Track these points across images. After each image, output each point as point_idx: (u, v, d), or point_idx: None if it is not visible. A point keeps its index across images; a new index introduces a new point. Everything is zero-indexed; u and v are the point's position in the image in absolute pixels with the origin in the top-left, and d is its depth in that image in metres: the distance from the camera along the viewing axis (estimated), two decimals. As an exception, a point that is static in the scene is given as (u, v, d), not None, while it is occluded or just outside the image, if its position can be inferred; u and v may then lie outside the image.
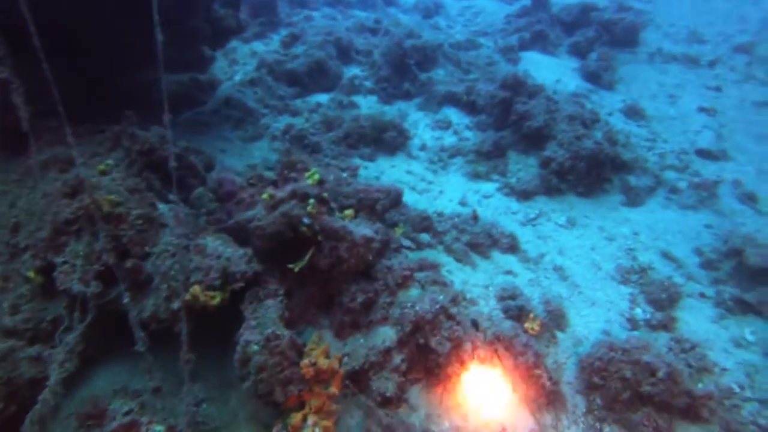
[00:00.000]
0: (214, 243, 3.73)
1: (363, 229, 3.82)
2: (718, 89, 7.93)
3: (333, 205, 4.35)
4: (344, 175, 5.24)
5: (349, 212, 4.35)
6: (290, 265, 3.75)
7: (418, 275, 4.35)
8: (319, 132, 7.01)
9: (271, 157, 6.83)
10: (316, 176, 4.11)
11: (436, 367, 3.92)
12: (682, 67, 8.53)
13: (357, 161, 6.57)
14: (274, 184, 4.13)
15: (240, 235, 3.98)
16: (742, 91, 7.80)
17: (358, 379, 3.89)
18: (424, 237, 5.08)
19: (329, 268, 3.84)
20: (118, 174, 3.95)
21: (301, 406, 3.43)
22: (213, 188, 4.19)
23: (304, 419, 3.36)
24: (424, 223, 5.16)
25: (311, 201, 3.80)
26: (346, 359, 3.90)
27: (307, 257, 3.71)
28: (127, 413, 3.39)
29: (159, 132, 4.81)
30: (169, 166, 3.38)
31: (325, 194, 4.06)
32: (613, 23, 9.29)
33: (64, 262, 3.53)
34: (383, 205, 4.59)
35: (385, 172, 6.66)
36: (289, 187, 3.91)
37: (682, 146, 6.56)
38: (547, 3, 10.21)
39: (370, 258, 3.83)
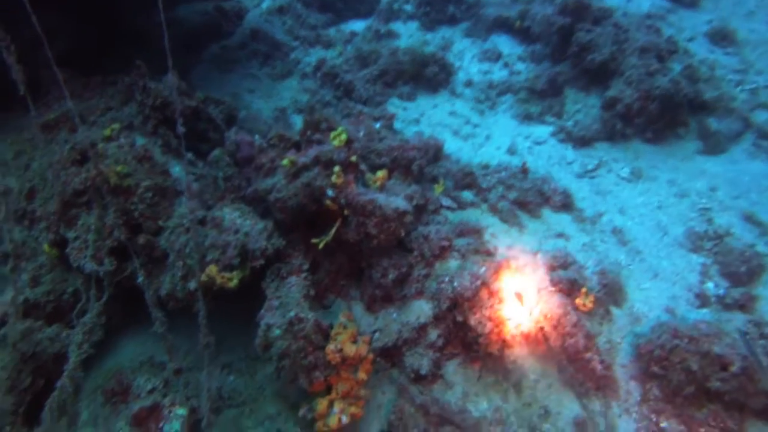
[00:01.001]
0: (231, 215, 3.53)
1: (395, 201, 3.50)
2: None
3: (363, 166, 4.04)
4: (378, 125, 4.86)
5: (381, 173, 4.03)
6: (314, 240, 3.51)
7: (458, 242, 4.06)
8: (353, 69, 6.53)
9: (302, 99, 6.49)
10: (344, 136, 3.77)
11: (475, 344, 3.71)
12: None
13: (393, 106, 6.13)
14: (297, 146, 3.81)
15: (260, 203, 3.77)
16: None
17: (390, 355, 3.76)
18: (467, 195, 4.71)
19: (357, 242, 3.59)
20: (126, 140, 3.73)
21: (328, 390, 3.34)
22: (231, 151, 3.93)
23: (331, 405, 3.27)
24: (467, 180, 4.78)
25: (336, 169, 3.49)
26: (377, 335, 3.75)
27: (331, 233, 3.47)
28: (151, 391, 3.42)
29: (174, 83, 4.54)
30: (177, 130, 3.12)
31: (354, 158, 3.74)
32: None
33: (76, 237, 3.44)
34: (420, 165, 4.22)
35: (425, 113, 6.21)
36: (312, 152, 3.60)
37: (781, 78, 5.68)
38: None
39: (402, 233, 3.53)
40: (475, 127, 5.92)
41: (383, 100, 6.23)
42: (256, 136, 4.09)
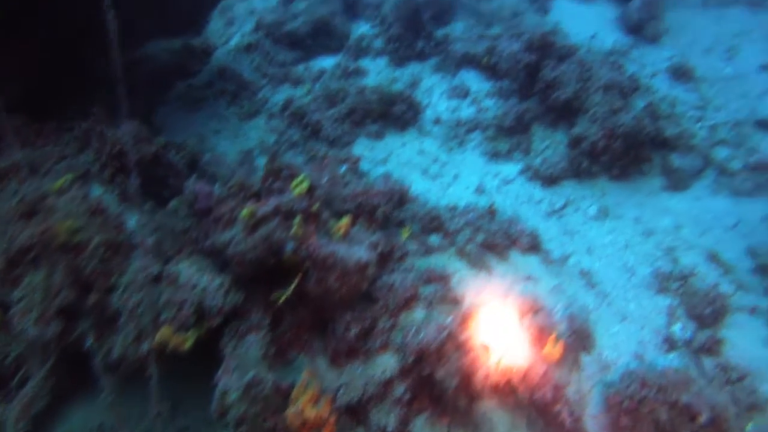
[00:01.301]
0: (188, 270, 3.43)
1: (357, 253, 3.45)
2: (785, 40, 7.03)
3: (325, 214, 3.98)
4: (343, 169, 4.84)
5: (345, 221, 3.97)
6: (274, 295, 3.43)
7: (425, 290, 4.01)
8: (320, 108, 6.52)
9: (269, 139, 6.46)
10: (305, 184, 3.72)
11: (443, 397, 3.63)
12: (743, 11, 7.55)
13: (361, 146, 6.14)
14: (258, 195, 3.75)
15: (219, 257, 3.68)
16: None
17: (355, 412, 3.65)
18: (434, 239, 4.69)
19: (319, 296, 3.52)
20: (79, 191, 3.63)
21: (289, 453, 3.22)
22: (189, 201, 3.85)
23: (292, 471, 3.14)
24: (434, 223, 4.76)
25: (296, 220, 3.43)
26: (341, 391, 3.65)
27: (291, 288, 3.39)
28: (100, 463, 3.25)
29: (132, 130, 4.46)
30: (130, 183, 3.04)
31: (315, 207, 3.69)
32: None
33: (21, 298, 3.29)
34: (384, 211, 4.19)
35: (393, 152, 6.21)
36: (272, 202, 3.54)
37: (738, 115, 5.85)
38: (583, -63, 9.14)
39: (365, 286, 3.48)
40: (443, 165, 5.94)
41: (351, 139, 6.23)
42: (216, 185, 4.03)
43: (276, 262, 3.43)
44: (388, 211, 4.22)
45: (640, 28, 7.31)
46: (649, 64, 6.78)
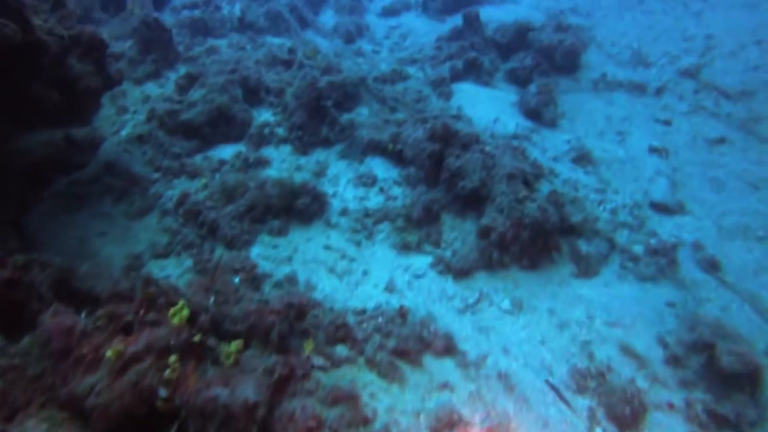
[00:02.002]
0: (37, 430, 2.93)
1: (243, 392, 3.12)
2: (667, 123, 7.75)
3: (212, 342, 3.63)
4: (237, 280, 4.54)
5: (235, 346, 3.65)
6: (144, 452, 2.99)
7: (330, 415, 3.70)
8: (218, 204, 6.24)
9: (161, 240, 6.05)
10: (185, 312, 3.40)
11: None
12: (628, 95, 8.32)
13: (262, 245, 5.87)
14: (128, 328, 3.36)
15: (79, 408, 3.20)
16: (693, 125, 7.63)
17: None
18: (341, 350, 4.42)
19: (201, 446, 3.11)
20: None
21: None
22: (43, 340, 3.37)
23: None
24: (340, 332, 4.52)
25: (172, 359, 3.06)
26: None
27: (163, 444, 2.97)
28: None
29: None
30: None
31: (197, 337, 3.34)
32: (552, 48, 9.01)
33: None
34: (280, 331, 3.90)
35: (299, 249, 5.99)
36: (144, 338, 3.17)
37: (635, 198, 6.23)
38: (480, 25, 9.85)
39: (255, 430, 3.12)
40: (351, 261, 5.78)
41: (251, 238, 5.96)
42: (83, 315, 3.60)
43: (147, 412, 3.02)
44: (285, 331, 3.93)
45: (539, 113, 7.80)
46: (550, 147, 7.16)
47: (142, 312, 3.41)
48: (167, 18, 11.36)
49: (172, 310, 3.39)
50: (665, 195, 6.30)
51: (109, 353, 3.09)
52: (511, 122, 7.68)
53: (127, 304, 3.66)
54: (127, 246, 6.02)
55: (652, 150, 7.04)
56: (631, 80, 8.75)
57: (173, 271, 5.66)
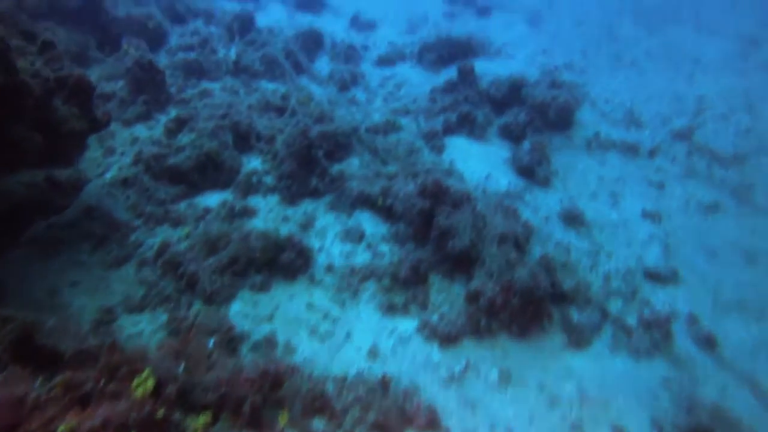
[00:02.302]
0: None
1: (206, 480, 2.90)
2: (660, 186, 7.77)
3: (177, 417, 3.42)
4: (211, 343, 4.35)
5: (203, 419, 3.44)
6: None
7: (302, 500, 3.46)
8: (199, 256, 6.09)
9: (137, 293, 5.86)
10: (150, 383, 3.21)
11: None
12: (621, 156, 8.38)
13: (243, 301, 5.70)
14: (86, 398, 3.15)
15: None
16: (686, 190, 7.66)
17: None
18: (318, 424, 4.20)
19: None
20: None
21: None
22: (-8, 412, 3.16)
23: None
24: (318, 402, 4.31)
25: (130, 440, 2.86)
26: None
27: None
28: None
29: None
30: None
31: (161, 412, 3.14)
32: (545, 105, 9.11)
33: None
34: (253, 404, 3.70)
35: (280, 307, 5.82)
36: (101, 413, 2.96)
37: (628, 263, 6.16)
38: (474, 78, 9.97)
39: None
40: (334, 322, 5.61)
41: (232, 293, 5.79)
42: (39, 380, 3.39)
43: (99, 500, 2.79)
44: (258, 403, 3.73)
45: (532, 171, 7.80)
46: (542, 207, 7.13)
47: (102, 382, 3.22)
48: (162, 59, 11.45)
49: (135, 381, 3.20)
50: (659, 262, 6.23)
51: (61, 429, 2.89)
52: (504, 179, 7.66)
53: (90, 368, 3.48)
54: (100, 298, 5.82)
55: (645, 214, 7.02)
56: (624, 140, 8.83)
57: (147, 326, 5.46)
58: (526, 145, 8.05)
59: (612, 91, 10.82)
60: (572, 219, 6.85)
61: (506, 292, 5.34)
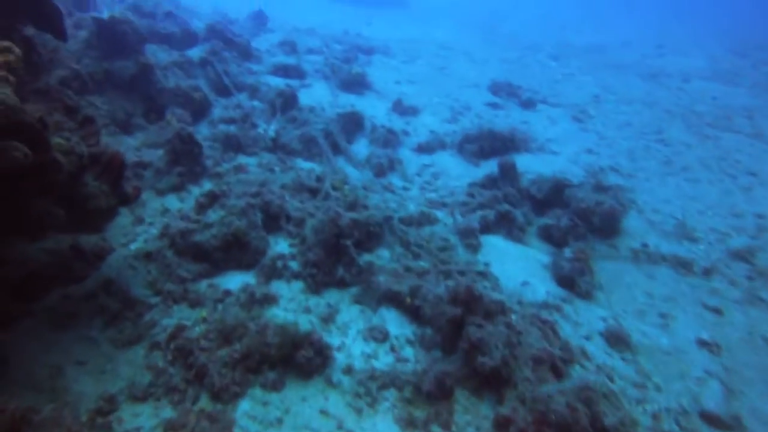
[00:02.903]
0: None
1: None
2: (718, 312, 7.32)
3: None
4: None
5: None
6: None
7: None
8: (212, 345, 5.90)
9: (143, 379, 5.66)
10: None
11: None
12: (672, 272, 8.00)
13: (252, 399, 5.42)
14: None
15: None
16: (749, 318, 7.18)
17: None
18: None
19: None
20: None
21: None
22: None
23: None
24: None
25: None
26: None
27: None
28: None
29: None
30: None
31: None
32: (590, 210, 8.92)
33: None
34: None
35: (291, 410, 5.51)
36: None
37: (681, 401, 5.66)
38: (515, 176, 9.92)
39: None
40: (348, 434, 5.24)
41: (241, 391, 5.53)
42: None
43: None
44: None
45: (573, 281, 7.49)
46: (584, 323, 6.75)
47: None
48: (204, 130, 11.85)
49: None
50: (719, 404, 5.70)
51: None
52: (542, 288, 7.35)
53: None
54: (104, 382, 5.63)
55: (702, 343, 6.57)
56: (675, 255, 8.46)
57: (146, 422, 5.21)
58: (567, 252, 7.79)
59: (661, 198, 10.56)
60: (617, 340, 6.45)
61: (539, 423, 4.92)
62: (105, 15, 11.92)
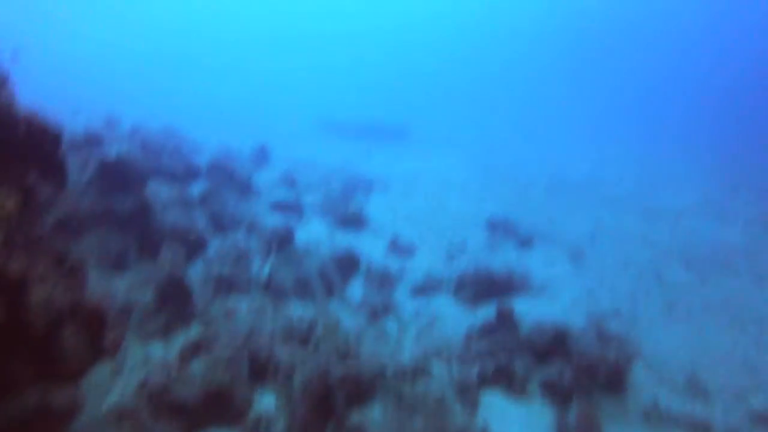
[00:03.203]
0: None
1: None
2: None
3: None
4: None
5: None
6: None
7: None
8: None
9: None
10: None
11: None
12: (683, 434, 7.49)
13: None
14: None
15: None
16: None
17: None
18: None
19: None
20: None
21: None
22: None
23: None
24: None
25: None
26: None
27: None
28: None
29: None
30: None
31: None
32: (593, 365, 8.57)
33: None
34: None
35: None
36: None
37: None
38: (513, 324, 9.68)
39: None
40: None
41: None
42: None
43: None
44: None
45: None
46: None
47: None
48: (197, 268, 11.81)
49: None
50: None
51: None
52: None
53: None
54: None
55: None
56: (690, 416, 7.95)
57: None
58: (572, 415, 7.34)
59: (668, 348, 10.21)
60: None
61: None
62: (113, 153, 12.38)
